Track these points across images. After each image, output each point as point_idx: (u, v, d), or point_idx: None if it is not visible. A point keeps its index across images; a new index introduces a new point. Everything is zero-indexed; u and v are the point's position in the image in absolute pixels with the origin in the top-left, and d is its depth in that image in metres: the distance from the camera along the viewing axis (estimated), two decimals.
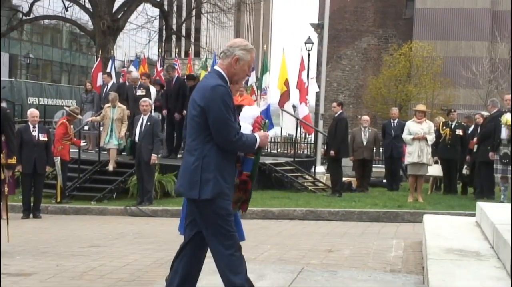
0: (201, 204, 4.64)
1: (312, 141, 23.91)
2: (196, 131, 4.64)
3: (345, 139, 15.72)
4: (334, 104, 16.09)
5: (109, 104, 15.52)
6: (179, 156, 16.91)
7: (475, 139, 14.75)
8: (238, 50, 4.77)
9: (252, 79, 21.33)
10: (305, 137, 27.50)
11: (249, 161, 4.95)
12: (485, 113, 15.45)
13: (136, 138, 13.56)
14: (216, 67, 4.87)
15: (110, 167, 15.08)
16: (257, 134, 4.84)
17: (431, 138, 14.13)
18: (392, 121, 17.24)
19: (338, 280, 6.42)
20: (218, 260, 4.78)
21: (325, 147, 16.73)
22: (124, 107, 15.65)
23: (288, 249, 8.54)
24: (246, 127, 4.97)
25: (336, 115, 15.77)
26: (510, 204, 11.78)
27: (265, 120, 5.24)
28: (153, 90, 17.17)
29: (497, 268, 5.47)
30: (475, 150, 14.88)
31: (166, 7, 35.90)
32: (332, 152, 15.34)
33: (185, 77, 18.19)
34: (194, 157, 4.62)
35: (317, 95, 29.69)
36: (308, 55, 40.23)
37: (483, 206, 7.87)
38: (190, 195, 4.66)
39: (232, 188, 4.73)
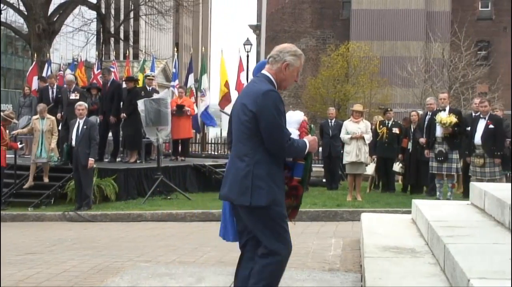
0: (253, 210, 4.53)
1: None
2: (247, 136, 4.53)
3: None
4: None
5: (37, 116, 15.11)
6: (118, 159, 16.76)
7: (423, 139, 14.86)
8: (288, 55, 4.67)
9: (191, 81, 21.31)
10: None
11: (300, 166, 4.85)
12: (421, 111, 15.76)
13: (73, 143, 13.35)
14: (264, 72, 4.73)
15: (45, 179, 14.84)
16: (306, 139, 4.76)
17: (368, 137, 14.33)
18: (329, 121, 17.39)
19: None
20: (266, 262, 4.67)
21: None
22: (53, 118, 15.26)
23: (228, 251, 8.50)
24: (291, 133, 4.83)
25: None
26: (446, 200, 12.07)
27: (311, 124, 5.19)
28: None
29: (431, 264, 5.58)
30: (409, 148, 15.22)
31: (103, 10, 35.48)
32: None
33: (123, 79, 18.04)
34: (244, 163, 4.52)
35: None
36: (247, 56, 40.28)
37: (418, 203, 8.02)
38: (241, 201, 4.54)
39: (284, 194, 4.64)
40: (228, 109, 20.48)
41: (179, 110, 17.46)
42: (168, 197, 14.48)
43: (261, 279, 4.65)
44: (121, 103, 16.49)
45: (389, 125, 16.07)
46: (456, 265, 4.56)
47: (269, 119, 4.45)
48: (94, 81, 20.83)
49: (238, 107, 4.67)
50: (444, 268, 5.20)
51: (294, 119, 5.01)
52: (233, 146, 4.75)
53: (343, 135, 14.49)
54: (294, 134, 4.84)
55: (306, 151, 4.71)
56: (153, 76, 18.29)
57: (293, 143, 4.58)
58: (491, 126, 12.55)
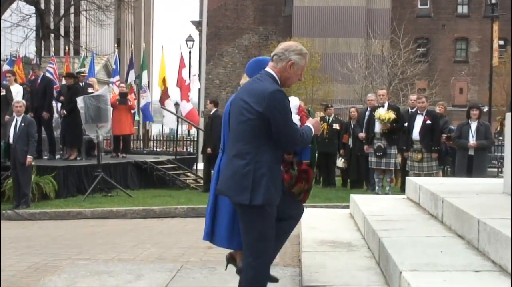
0: (249, 209, 4.47)
1: (195, 139, 23.93)
2: (250, 135, 4.46)
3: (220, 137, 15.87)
4: (208, 102, 16.27)
5: None
6: (57, 157, 16.51)
7: (362, 134, 14.99)
8: (293, 54, 4.61)
9: (131, 77, 21.16)
10: (188, 135, 27.49)
11: (307, 150, 4.89)
12: (360, 107, 15.96)
13: (11, 140, 13.12)
14: (268, 70, 4.64)
15: None
16: (309, 123, 4.75)
17: None
18: None
19: (217, 276, 6.48)
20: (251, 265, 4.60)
21: (202, 145, 16.83)
22: None
23: (168, 247, 8.52)
24: (293, 118, 4.85)
25: (211, 113, 15.92)
26: (385, 195, 12.28)
27: (308, 107, 5.16)
28: (18, 89, 16.39)
29: (367, 257, 5.69)
30: (350, 143, 15.44)
31: (42, 5, 34.87)
32: (208, 149, 15.48)
33: (63, 75, 17.81)
34: (245, 161, 4.43)
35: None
36: (190, 52, 40.15)
37: (355, 198, 8.14)
38: (240, 200, 4.46)
39: (280, 195, 4.57)
40: (168, 104, 20.43)
41: (123, 99, 17.31)
42: (109, 195, 14.34)
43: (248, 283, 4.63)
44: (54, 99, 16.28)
45: (330, 120, 16.25)
46: (390, 258, 4.66)
47: (280, 119, 4.40)
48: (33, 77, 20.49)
49: (238, 105, 4.58)
50: (379, 261, 5.31)
51: (291, 105, 4.94)
52: (230, 145, 4.64)
53: None
54: (295, 119, 4.85)
55: (312, 135, 4.72)
56: (85, 73, 18.11)
57: (303, 135, 4.56)
58: (428, 121, 12.80)
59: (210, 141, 15.57)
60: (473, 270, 4.21)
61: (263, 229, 4.53)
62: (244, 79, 5.22)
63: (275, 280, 5.30)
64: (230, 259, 5.54)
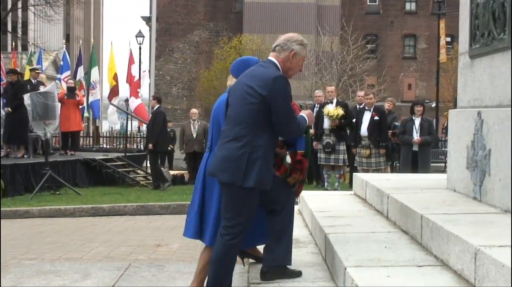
0: (239, 190, 4.50)
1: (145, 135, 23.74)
2: (249, 118, 4.51)
3: (163, 133, 15.86)
4: (151, 99, 16.25)
5: None
6: (3, 154, 16.22)
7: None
8: (295, 44, 4.73)
9: (80, 74, 20.93)
10: (138, 131, 27.30)
11: (302, 140, 4.93)
12: (309, 103, 16.05)
13: None
14: (271, 58, 4.73)
15: None
16: (303, 114, 4.85)
17: None
18: None
19: (165, 274, 6.47)
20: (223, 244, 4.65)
21: (145, 141, 16.79)
22: None
23: (116, 246, 8.46)
24: None
25: (153, 110, 15.90)
26: (333, 191, 12.39)
27: (299, 103, 5.17)
28: None
29: (314, 253, 5.74)
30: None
31: None
32: (150, 145, 15.48)
33: (6, 72, 17.51)
34: (241, 143, 4.49)
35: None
36: (140, 48, 39.87)
37: (304, 194, 8.16)
38: (232, 180, 4.49)
39: (272, 176, 4.62)
40: (115, 101, 20.27)
41: (71, 93, 17.13)
42: (57, 193, 14.17)
43: (216, 258, 4.67)
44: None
45: None
46: (335, 254, 4.71)
47: (282, 105, 4.51)
48: None
49: (241, 89, 4.62)
50: (325, 257, 5.36)
51: None
52: (227, 128, 4.64)
53: None
54: None
55: (306, 125, 4.83)
56: (39, 69, 17.85)
57: (299, 124, 4.68)
58: (376, 117, 12.95)
59: (152, 137, 15.56)
60: (416, 265, 4.29)
61: (249, 211, 4.62)
62: (231, 81, 5.21)
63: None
64: (244, 254, 5.56)
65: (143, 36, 39.11)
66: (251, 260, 5.67)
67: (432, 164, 14.96)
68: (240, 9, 48.77)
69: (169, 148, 21.92)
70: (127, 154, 18.71)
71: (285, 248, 4.91)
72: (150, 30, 47.57)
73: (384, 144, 13.03)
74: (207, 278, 4.83)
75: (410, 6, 50.64)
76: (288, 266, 4.93)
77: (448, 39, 35.41)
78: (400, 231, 5.38)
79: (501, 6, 4.95)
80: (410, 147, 12.88)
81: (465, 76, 5.92)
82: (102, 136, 29.83)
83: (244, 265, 5.72)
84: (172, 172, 18.77)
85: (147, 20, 48.85)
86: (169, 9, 49.40)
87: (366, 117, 13.02)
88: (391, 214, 5.88)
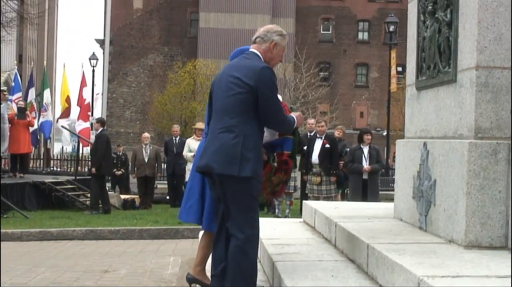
0: (237, 181, 4.48)
1: None
2: (239, 108, 4.54)
3: (107, 156, 15.72)
4: (94, 121, 16.17)
5: None
6: None
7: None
8: (275, 35, 4.84)
9: (32, 95, 20.69)
10: (90, 154, 26.94)
11: (289, 141, 4.99)
12: None
13: None
14: (253, 50, 4.82)
15: None
16: (293, 115, 4.91)
17: None
18: (174, 138, 17.50)
19: None
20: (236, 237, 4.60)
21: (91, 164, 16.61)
22: None
23: (63, 271, 8.33)
24: None
25: (97, 133, 15.80)
26: (284, 218, 12.43)
27: (290, 105, 5.27)
28: None
29: (262, 281, 5.70)
30: None
31: None
32: (93, 169, 15.34)
33: None
34: (234, 134, 4.50)
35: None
36: (93, 71, 39.53)
37: None
38: (228, 171, 4.47)
39: (262, 169, 4.68)
40: (65, 123, 20.07)
41: (21, 114, 16.91)
42: (4, 216, 13.89)
43: (234, 260, 4.63)
44: None
45: None
46: (282, 282, 4.72)
47: (269, 94, 4.57)
48: None
49: (226, 80, 4.68)
50: (272, 285, 5.37)
51: None
52: (214, 122, 4.68)
53: (186, 153, 14.62)
54: None
55: (295, 125, 4.89)
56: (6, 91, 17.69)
57: (286, 117, 4.76)
58: (327, 145, 13.07)
59: (96, 160, 15.41)
60: None
61: (253, 200, 4.63)
62: None
63: None
64: (193, 280, 5.52)
65: (97, 59, 38.79)
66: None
67: (383, 192, 15.16)
68: (195, 34, 48.96)
69: (121, 172, 21.77)
70: (78, 177, 18.50)
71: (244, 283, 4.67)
72: (104, 52, 47.43)
73: (334, 171, 13.14)
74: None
75: (362, 36, 51.51)
76: None
77: (400, 68, 36.05)
78: (347, 260, 5.42)
79: (446, 40, 5.08)
80: (360, 175, 13.01)
81: (412, 107, 6.04)
82: (53, 158, 29.47)
83: None
84: (122, 196, 18.61)
85: (101, 42, 48.56)
86: (124, 32, 49.32)
87: (318, 144, 13.14)
88: (339, 242, 5.92)
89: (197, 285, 5.52)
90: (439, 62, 5.23)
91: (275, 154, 5.02)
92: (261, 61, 4.73)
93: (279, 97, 5.00)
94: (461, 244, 4.60)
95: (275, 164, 4.99)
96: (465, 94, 4.76)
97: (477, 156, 4.54)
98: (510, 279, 3.63)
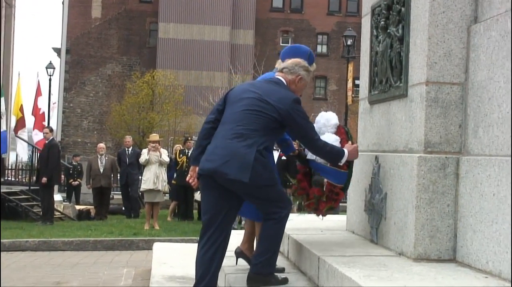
0: (248, 186, 4.58)
1: None
2: (258, 124, 4.69)
3: (57, 166, 15.55)
4: (46, 130, 15.98)
5: None
6: None
7: None
8: (302, 70, 5.03)
9: None
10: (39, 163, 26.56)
11: (343, 175, 5.06)
12: None
13: None
14: (281, 78, 4.98)
15: None
16: (346, 149, 5.00)
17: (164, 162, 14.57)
18: (126, 149, 17.43)
19: None
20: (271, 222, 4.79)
21: (37, 174, 16.32)
22: None
23: (13, 283, 8.21)
24: (329, 137, 5.10)
25: (47, 142, 15.60)
26: (240, 230, 12.39)
27: (347, 128, 5.28)
28: None
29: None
30: None
31: None
32: (44, 179, 15.13)
33: None
34: (247, 142, 4.61)
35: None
36: (50, 80, 39.10)
37: None
38: (240, 177, 4.55)
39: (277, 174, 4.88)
40: (22, 134, 19.80)
41: None
42: None
43: (267, 240, 4.83)
44: None
45: (189, 154, 16.30)
46: None
47: (304, 125, 4.82)
48: None
49: (252, 97, 4.79)
50: None
51: (331, 122, 5.27)
52: (226, 128, 4.74)
53: (142, 159, 14.59)
54: (334, 138, 5.10)
55: (345, 158, 4.97)
56: None
57: (326, 144, 4.92)
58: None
59: (47, 170, 15.18)
60: None
61: (271, 189, 4.77)
62: (278, 64, 5.33)
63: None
64: (240, 254, 5.60)
65: (54, 68, 38.39)
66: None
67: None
68: (154, 44, 48.79)
69: (77, 182, 21.53)
70: (32, 187, 18.23)
71: (273, 256, 4.92)
72: (60, 61, 46.91)
73: (290, 183, 13.15)
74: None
75: (321, 49, 51.91)
76: (274, 274, 4.93)
77: (357, 81, 36.33)
78: (299, 272, 5.44)
79: (398, 55, 5.15)
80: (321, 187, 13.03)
81: (365, 121, 6.10)
82: (8, 168, 28.98)
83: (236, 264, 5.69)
84: (78, 207, 18.42)
85: (59, 51, 48.08)
86: (82, 42, 48.91)
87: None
88: (291, 254, 5.94)
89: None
90: (391, 76, 5.30)
91: (325, 180, 5.19)
92: (291, 92, 4.90)
93: (331, 113, 5.36)
94: (410, 257, 4.65)
95: (324, 190, 5.21)
96: (416, 109, 4.83)
97: (426, 170, 4.60)
98: None
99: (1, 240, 12.18)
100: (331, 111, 5.66)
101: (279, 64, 5.34)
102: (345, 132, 5.27)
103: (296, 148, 5.57)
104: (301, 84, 5.06)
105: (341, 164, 5.03)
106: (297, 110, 4.78)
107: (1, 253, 11.56)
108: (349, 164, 5.11)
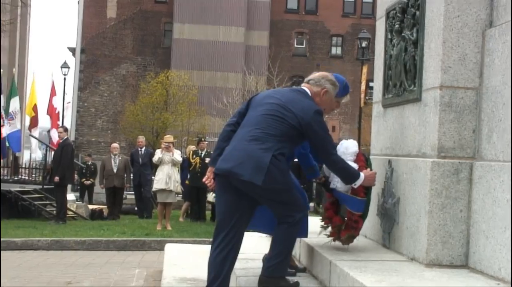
0: (262, 189, 4.58)
1: None
2: (277, 129, 4.69)
3: (71, 165, 15.57)
4: (60, 129, 16.00)
5: None
6: None
7: None
8: (328, 84, 5.04)
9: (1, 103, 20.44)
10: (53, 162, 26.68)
11: (361, 202, 5.04)
12: None
13: None
14: (306, 89, 5.00)
15: None
16: (363, 173, 4.97)
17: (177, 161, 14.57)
18: (139, 149, 17.47)
19: None
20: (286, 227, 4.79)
21: (51, 173, 16.38)
22: None
23: (25, 282, 8.24)
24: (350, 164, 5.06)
25: (61, 141, 15.63)
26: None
27: (367, 156, 5.29)
28: None
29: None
30: None
31: None
32: (56, 178, 15.17)
33: None
34: (264, 145, 4.61)
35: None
36: (65, 79, 39.31)
37: None
38: (253, 179, 4.54)
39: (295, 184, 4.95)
40: (35, 132, 19.88)
41: None
42: None
43: (281, 243, 4.85)
44: None
45: (202, 155, 16.31)
46: None
47: (323, 136, 4.78)
48: None
49: (276, 104, 4.81)
50: None
51: (350, 150, 5.21)
52: (245, 131, 4.76)
53: (156, 158, 14.61)
54: (352, 165, 5.04)
55: (360, 182, 4.94)
56: None
57: (342, 161, 4.91)
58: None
59: (59, 169, 15.21)
60: None
61: (286, 192, 4.75)
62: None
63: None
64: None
65: (69, 67, 38.57)
66: None
67: None
68: (168, 45, 48.85)
69: (90, 181, 21.61)
70: (45, 186, 18.30)
71: (286, 260, 4.93)
72: (75, 61, 47.11)
73: (304, 186, 13.13)
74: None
75: (336, 51, 51.81)
76: (286, 277, 4.94)
77: (371, 84, 36.24)
78: (310, 276, 5.42)
79: (412, 59, 5.12)
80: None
81: (378, 124, 6.07)
82: (21, 167, 29.14)
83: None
84: (91, 207, 18.47)
85: (73, 51, 48.24)
86: (97, 41, 49.08)
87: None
88: (303, 258, 5.92)
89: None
90: (405, 80, 5.26)
91: (347, 210, 5.17)
92: (314, 103, 4.89)
93: (354, 144, 5.29)
94: (422, 262, 4.61)
95: (344, 217, 5.22)
96: (429, 113, 4.79)
97: (439, 175, 4.57)
98: None
99: (13, 239, 12.25)
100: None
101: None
102: (364, 159, 5.24)
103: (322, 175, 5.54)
104: (326, 98, 5.05)
105: (355, 187, 4.99)
106: (318, 121, 4.76)
107: (13, 251, 11.63)
108: (367, 191, 5.09)
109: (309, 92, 4.99)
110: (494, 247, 4.19)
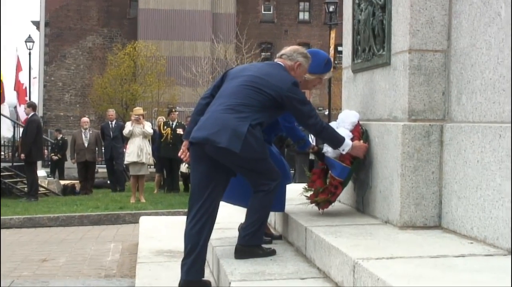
0: (239, 157, 4.56)
1: None
2: (253, 99, 4.68)
3: (37, 142, 15.39)
4: (25, 106, 15.86)
5: None
6: None
7: None
8: (300, 57, 5.00)
9: None
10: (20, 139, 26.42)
11: (344, 169, 5.06)
12: None
13: None
14: (280, 63, 4.98)
15: None
16: (352, 143, 4.99)
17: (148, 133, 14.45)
18: (110, 122, 17.34)
19: None
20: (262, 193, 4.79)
21: (18, 150, 16.25)
22: None
23: None
24: (342, 131, 5.05)
25: (28, 117, 15.48)
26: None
27: (365, 129, 5.19)
28: None
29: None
30: None
31: None
32: (22, 155, 15.07)
33: None
34: (241, 115, 4.59)
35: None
36: (30, 54, 38.74)
37: None
38: (230, 146, 4.51)
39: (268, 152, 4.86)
40: (3, 109, 19.60)
41: None
42: None
43: (256, 212, 4.87)
44: None
45: (173, 125, 16.25)
46: (221, 268, 4.72)
47: (301, 103, 4.75)
48: None
49: (250, 75, 4.81)
50: (213, 271, 5.37)
51: (348, 120, 5.20)
52: (219, 102, 4.74)
53: (126, 129, 14.50)
54: (345, 134, 5.03)
55: (347, 149, 4.96)
56: None
57: (323, 124, 4.85)
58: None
59: (25, 146, 15.08)
60: (299, 278, 4.35)
61: (261, 162, 4.75)
62: None
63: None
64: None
65: (33, 41, 37.97)
66: None
67: None
68: (134, 15, 48.30)
69: (57, 157, 21.46)
70: (15, 163, 18.11)
71: (261, 228, 4.95)
72: (39, 35, 46.39)
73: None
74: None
75: (303, 16, 51.64)
76: (262, 245, 4.96)
77: (340, 48, 36.23)
78: (286, 243, 5.45)
79: (380, 23, 5.12)
80: (307, 155, 13.02)
81: (349, 89, 6.08)
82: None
83: None
84: (62, 182, 18.35)
85: (37, 24, 47.49)
86: (61, 14, 48.37)
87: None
88: (278, 225, 5.95)
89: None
90: (373, 45, 5.27)
91: (330, 174, 5.18)
92: (291, 75, 4.87)
93: (355, 115, 5.29)
94: (396, 225, 4.67)
95: (328, 183, 5.21)
96: (399, 77, 4.81)
97: (410, 138, 4.60)
98: (442, 259, 3.70)
99: None
100: None
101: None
102: (361, 131, 5.23)
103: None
104: (300, 71, 5.03)
105: (344, 152, 5.01)
106: (294, 93, 4.75)
107: None
108: (353, 161, 5.11)
109: (283, 65, 4.99)
110: (466, 207, 4.25)
